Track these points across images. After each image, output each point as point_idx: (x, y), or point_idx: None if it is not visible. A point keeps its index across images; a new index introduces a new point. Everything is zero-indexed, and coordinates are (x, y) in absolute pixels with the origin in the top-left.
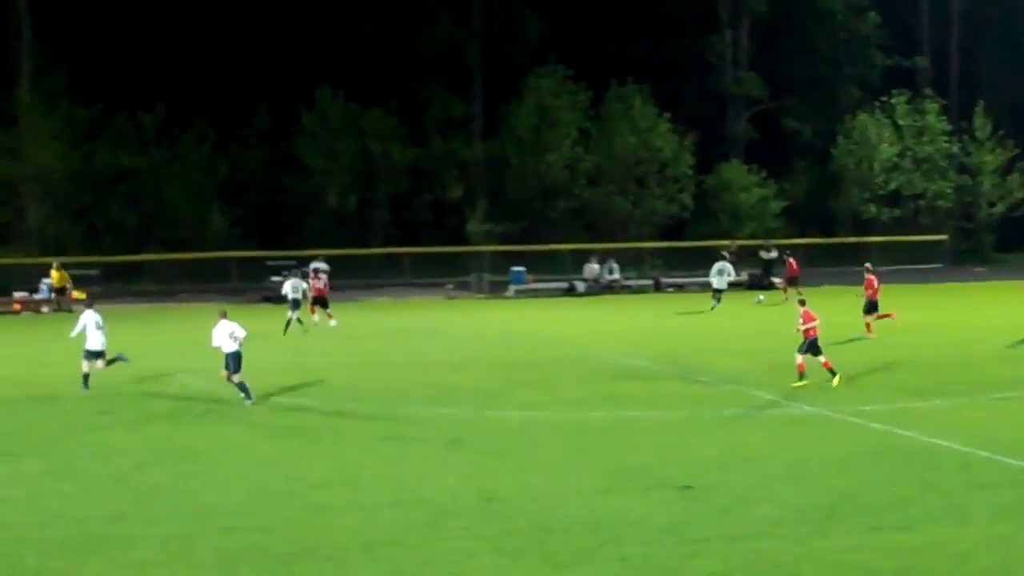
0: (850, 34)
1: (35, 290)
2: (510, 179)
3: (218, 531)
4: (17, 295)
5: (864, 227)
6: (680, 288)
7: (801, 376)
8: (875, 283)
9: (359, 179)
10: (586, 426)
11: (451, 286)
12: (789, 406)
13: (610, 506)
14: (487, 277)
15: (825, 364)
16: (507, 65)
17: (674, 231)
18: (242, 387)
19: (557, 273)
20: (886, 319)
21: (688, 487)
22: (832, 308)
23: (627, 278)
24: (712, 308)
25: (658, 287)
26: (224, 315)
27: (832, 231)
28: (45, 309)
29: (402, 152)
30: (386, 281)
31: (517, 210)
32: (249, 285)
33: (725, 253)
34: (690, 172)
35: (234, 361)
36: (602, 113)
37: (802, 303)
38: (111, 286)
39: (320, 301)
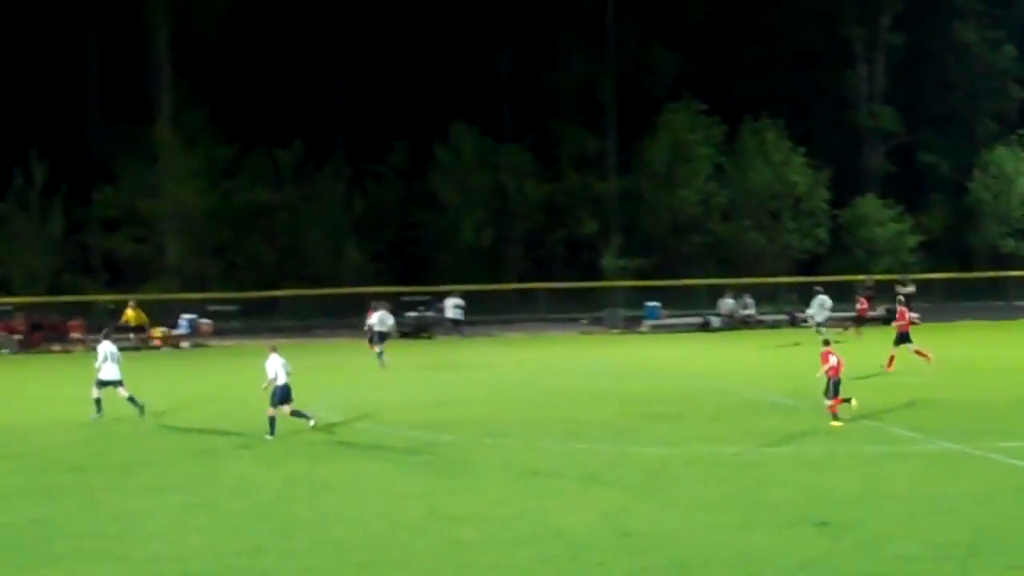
0: (986, 67)
1: (174, 326)
2: (644, 214)
3: (356, 566)
4: (156, 330)
5: (1002, 262)
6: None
7: (835, 417)
8: (906, 315)
9: (494, 214)
10: (722, 461)
11: (585, 321)
12: (928, 442)
13: (747, 542)
14: (621, 312)
15: (833, 404)
16: (641, 100)
17: (809, 266)
18: (298, 413)
19: (691, 308)
20: (921, 355)
21: (826, 523)
22: (969, 343)
23: (762, 313)
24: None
25: (793, 322)
26: (274, 350)
27: (970, 266)
28: (185, 344)
29: (536, 188)
30: (520, 316)
31: (651, 245)
32: None
33: (820, 288)
34: (825, 206)
35: (284, 393)
36: (736, 148)
37: (826, 343)
38: (249, 322)
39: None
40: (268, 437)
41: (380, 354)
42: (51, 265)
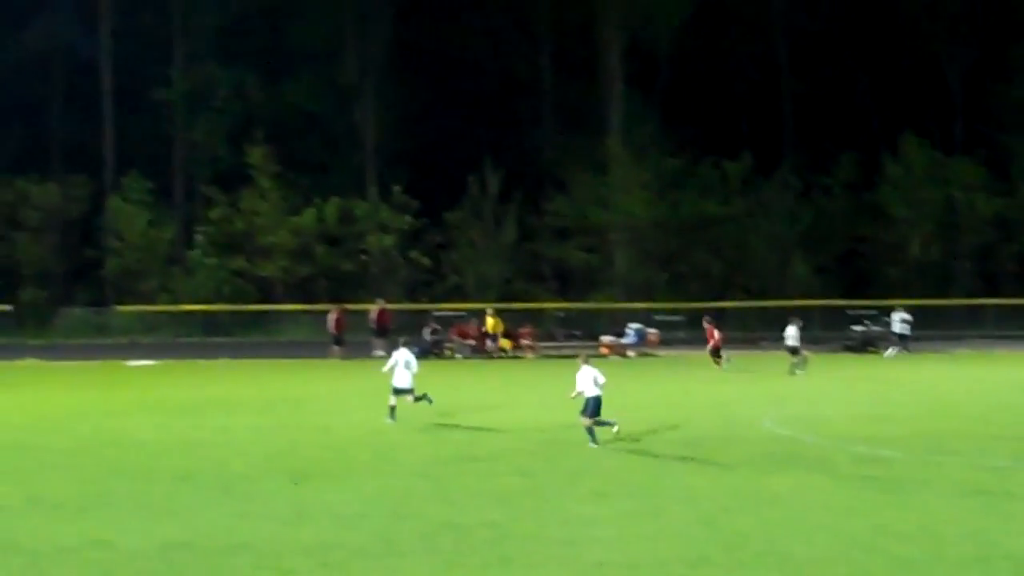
0: None
1: (621, 334)
2: None
3: None
4: (605, 339)
5: None
6: None
7: None
8: None
9: (942, 229)
10: None
11: None
12: None
13: None
14: None
15: None
16: None
17: None
18: (590, 431)
19: None
20: None
21: None
22: None
23: None
24: None
25: None
26: (586, 361)
27: None
28: (631, 354)
29: (987, 202)
30: (968, 332)
31: None
32: (829, 334)
33: None
34: None
35: (596, 405)
36: None
37: None
38: (695, 333)
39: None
40: (592, 445)
41: (794, 365)
42: (503, 272)
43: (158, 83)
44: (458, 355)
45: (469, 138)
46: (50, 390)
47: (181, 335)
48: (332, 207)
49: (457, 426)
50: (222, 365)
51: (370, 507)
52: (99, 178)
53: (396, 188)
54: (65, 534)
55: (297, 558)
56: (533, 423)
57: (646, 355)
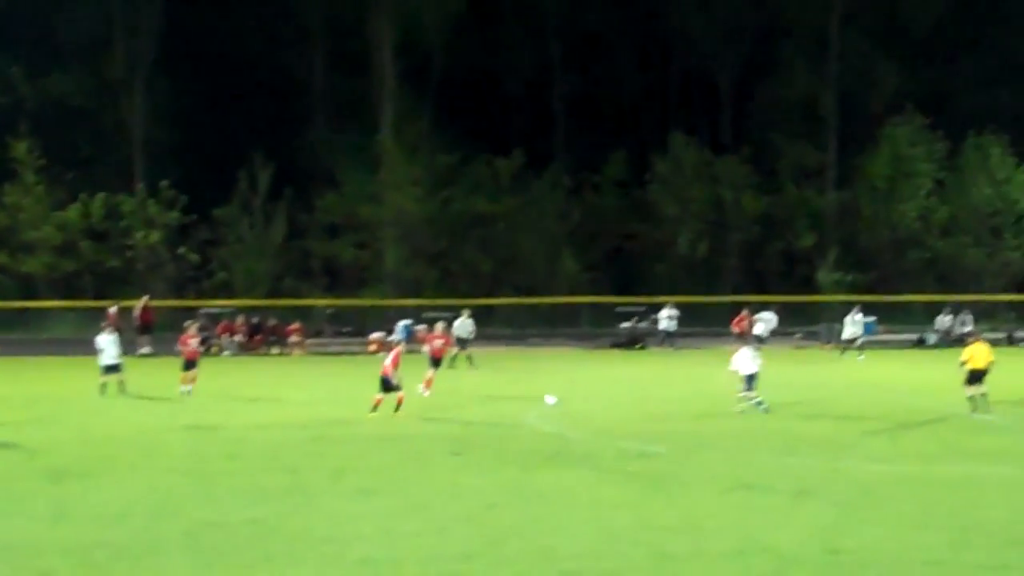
0: None
1: (391, 331)
2: (862, 229)
3: (564, 574)
4: (374, 336)
5: None
6: None
7: None
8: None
9: (710, 226)
10: (936, 481)
11: (799, 335)
12: None
13: (959, 563)
14: (837, 327)
15: None
16: (862, 114)
17: None
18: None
19: (907, 324)
20: None
21: None
22: None
23: (979, 331)
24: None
25: (1011, 341)
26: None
27: None
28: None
29: (754, 200)
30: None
31: (868, 260)
32: (599, 331)
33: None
34: None
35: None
36: (958, 163)
37: None
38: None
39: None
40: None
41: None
42: (272, 269)
43: None
44: (225, 352)
45: (240, 134)
46: None
47: None
48: (98, 202)
49: (223, 424)
50: None
51: (132, 506)
52: None
53: (163, 183)
54: None
55: (56, 558)
56: (299, 420)
57: (414, 351)
